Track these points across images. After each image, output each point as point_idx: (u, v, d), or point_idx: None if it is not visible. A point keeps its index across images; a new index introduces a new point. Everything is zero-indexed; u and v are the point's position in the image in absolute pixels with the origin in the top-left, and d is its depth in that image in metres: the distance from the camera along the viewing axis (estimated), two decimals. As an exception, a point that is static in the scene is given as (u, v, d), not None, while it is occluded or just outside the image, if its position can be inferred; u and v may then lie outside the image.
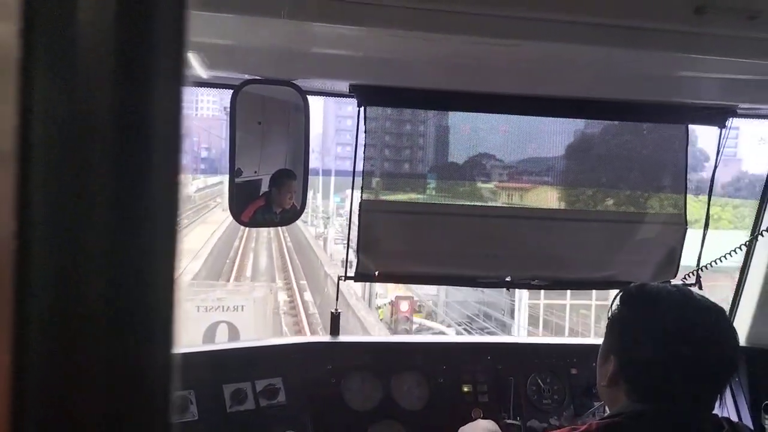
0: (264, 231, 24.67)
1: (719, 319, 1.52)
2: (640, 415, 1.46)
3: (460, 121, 2.45)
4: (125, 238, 0.39)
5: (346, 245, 2.44)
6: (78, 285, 0.38)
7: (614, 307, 1.62)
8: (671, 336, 1.48)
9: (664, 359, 1.46)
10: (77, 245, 0.38)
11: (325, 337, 2.42)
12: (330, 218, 34.60)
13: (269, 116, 2.20)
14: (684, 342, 1.46)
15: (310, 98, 2.18)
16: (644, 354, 1.50)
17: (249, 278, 20.94)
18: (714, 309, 1.53)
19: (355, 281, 2.40)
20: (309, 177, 2.23)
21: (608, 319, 1.64)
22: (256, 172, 2.23)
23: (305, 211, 2.40)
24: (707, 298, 1.58)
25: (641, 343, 1.51)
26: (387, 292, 19.35)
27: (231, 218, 2.27)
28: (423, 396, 2.32)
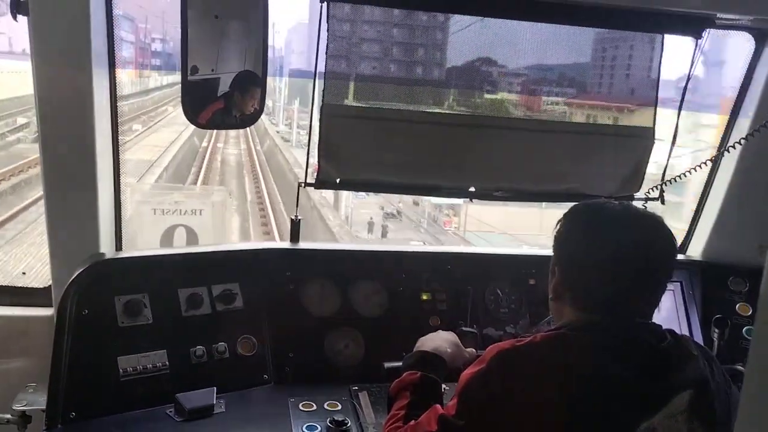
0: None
1: (657, 228, 1.54)
2: (582, 325, 1.49)
3: (428, 24, 2.33)
4: None
5: (306, 151, 2.35)
6: None
7: (559, 224, 1.63)
8: (609, 246, 1.50)
9: (603, 268, 1.49)
10: None
11: (285, 243, 2.38)
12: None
13: (227, 10, 2.06)
14: (621, 251, 1.48)
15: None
16: (585, 265, 1.53)
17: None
18: (652, 218, 1.56)
19: (315, 188, 2.34)
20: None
21: (554, 236, 1.65)
22: (213, 70, 2.10)
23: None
24: (647, 210, 1.61)
25: (582, 255, 1.54)
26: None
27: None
28: (382, 303, 2.33)
